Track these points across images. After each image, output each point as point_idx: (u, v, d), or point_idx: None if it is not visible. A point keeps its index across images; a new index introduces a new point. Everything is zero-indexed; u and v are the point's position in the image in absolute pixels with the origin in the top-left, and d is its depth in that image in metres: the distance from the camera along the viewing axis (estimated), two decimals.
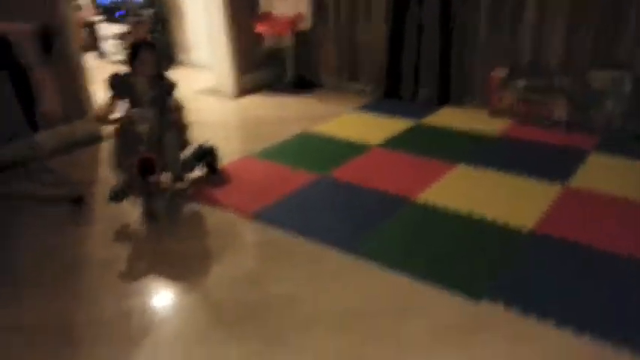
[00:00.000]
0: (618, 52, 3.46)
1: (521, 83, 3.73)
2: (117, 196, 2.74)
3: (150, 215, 2.71)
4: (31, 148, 2.74)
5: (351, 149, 3.49)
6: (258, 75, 4.99)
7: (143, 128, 2.59)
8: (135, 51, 2.69)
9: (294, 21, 4.72)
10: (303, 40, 4.87)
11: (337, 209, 2.75)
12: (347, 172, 3.15)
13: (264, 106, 4.63)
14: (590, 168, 3.09)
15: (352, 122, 4.05)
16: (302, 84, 4.98)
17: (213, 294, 2.14)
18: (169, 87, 2.81)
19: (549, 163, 3.16)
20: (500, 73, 3.86)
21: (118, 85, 2.71)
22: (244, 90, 4.87)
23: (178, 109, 2.78)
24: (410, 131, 3.80)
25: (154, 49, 2.75)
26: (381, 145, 3.54)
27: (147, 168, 2.60)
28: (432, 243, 2.41)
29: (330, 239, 2.44)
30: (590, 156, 3.25)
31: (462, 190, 2.87)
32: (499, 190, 2.89)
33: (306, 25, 4.80)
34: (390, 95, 4.55)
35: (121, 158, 2.66)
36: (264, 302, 2.06)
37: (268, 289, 2.14)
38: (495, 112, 3.93)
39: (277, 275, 2.23)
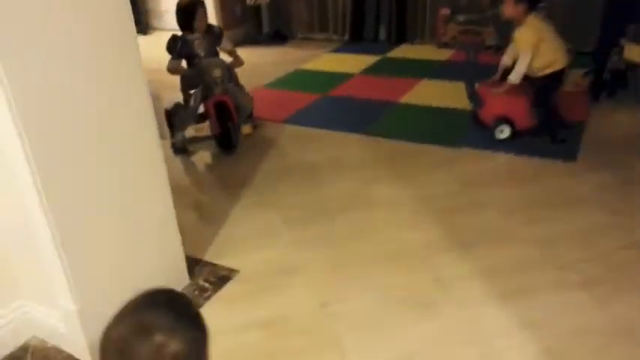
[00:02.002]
0: None
1: (461, 17, 4.84)
2: (180, 150, 3.16)
3: (226, 148, 3.13)
4: None
5: (339, 77, 4.49)
6: (238, 31, 5.79)
7: (217, 72, 2.93)
8: (191, 10, 2.94)
9: None
10: None
11: (342, 112, 3.76)
12: (341, 91, 4.16)
13: (250, 54, 5.44)
14: None
15: (331, 60, 5.03)
16: (277, 37, 5.84)
17: (275, 160, 3.08)
18: (220, 31, 3.16)
19: (484, 75, 4.30)
20: (444, 11, 4.95)
21: (181, 44, 2.98)
22: None
23: (232, 51, 3.26)
24: (379, 63, 4.84)
25: (203, 3, 3.01)
26: (361, 73, 4.56)
27: (223, 109, 2.96)
28: (416, 122, 3.50)
29: (345, 128, 3.45)
30: None
31: (429, 94, 3.97)
32: (453, 92, 3.97)
33: None
34: (354, 39, 5.55)
35: (176, 120, 3.02)
36: (319, 161, 3.04)
37: (315, 156, 3.13)
38: (441, 45, 5.03)
39: (316, 149, 3.23)
